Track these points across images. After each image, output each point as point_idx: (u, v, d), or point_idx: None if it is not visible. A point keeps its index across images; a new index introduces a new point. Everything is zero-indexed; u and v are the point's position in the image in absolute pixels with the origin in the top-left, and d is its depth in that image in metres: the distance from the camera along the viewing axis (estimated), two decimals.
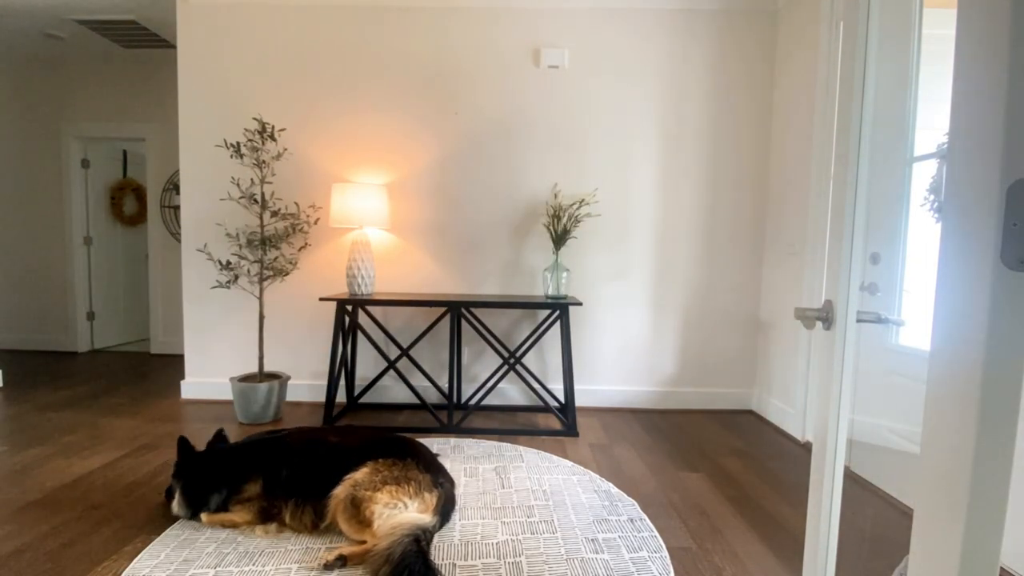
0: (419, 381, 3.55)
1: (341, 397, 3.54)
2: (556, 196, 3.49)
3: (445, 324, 3.53)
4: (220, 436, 2.13)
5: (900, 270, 2.33)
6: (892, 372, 2.34)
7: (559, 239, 3.22)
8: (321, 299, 3.07)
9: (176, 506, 1.95)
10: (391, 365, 3.12)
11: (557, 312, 3.23)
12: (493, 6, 3.43)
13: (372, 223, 3.21)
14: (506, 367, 3.17)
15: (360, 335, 3.51)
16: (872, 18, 1.06)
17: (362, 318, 3.56)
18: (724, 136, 3.50)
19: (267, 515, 1.93)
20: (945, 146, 2.08)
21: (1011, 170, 0.64)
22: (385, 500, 1.77)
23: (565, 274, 3.21)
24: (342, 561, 1.69)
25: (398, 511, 1.76)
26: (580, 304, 3.13)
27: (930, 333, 0.75)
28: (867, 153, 1.07)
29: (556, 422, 3.28)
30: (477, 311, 3.55)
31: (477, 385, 3.55)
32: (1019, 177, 0.63)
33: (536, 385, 3.47)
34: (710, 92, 3.48)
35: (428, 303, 3.05)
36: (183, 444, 2.02)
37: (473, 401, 3.28)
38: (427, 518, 1.79)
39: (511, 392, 3.59)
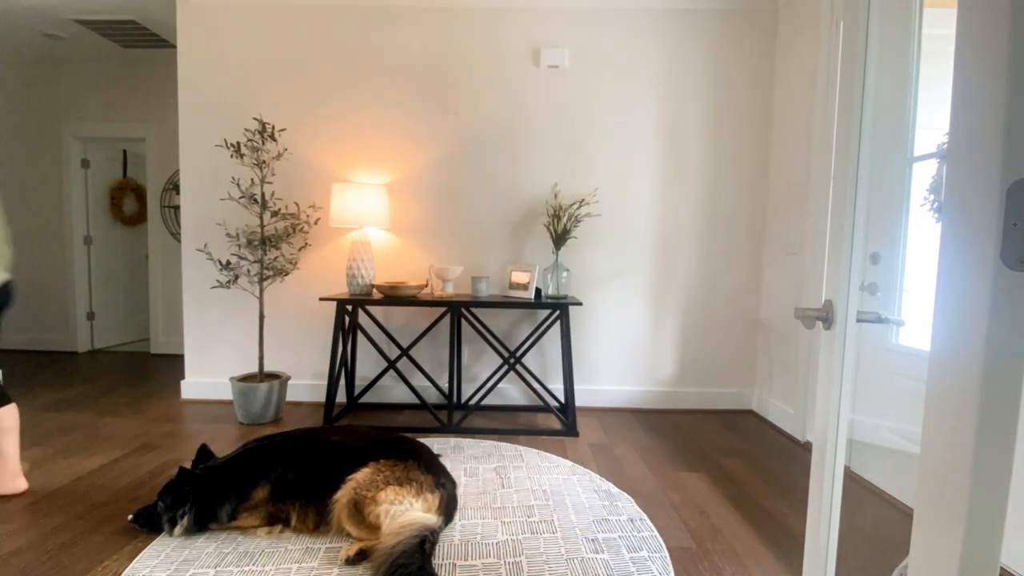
0: (419, 381, 3.55)
1: (341, 397, 3.54)
2: (556, 196, 3.49)
3: (445, 324, 3.53)
4: (204, 452, 2.03)
5: (900, 270, 2.33)
6: (892, 372, 2.34)
7: (559, 239, 3.22)
8: (321, 299, 3.07)
9: (180, 529, 1.86)
10: (391, 365, 3.12)
11: (557, 312, 3.23)
12: (493, 6, 3.43)
13: (372, 223, 3.21)
14: (506, 367, 3.17)
15: (360, 335, 3.51)
16: (872, 18, 1.06)
17: (362, 318, 3.56)
18: (724, 136, 3.50)
19: (275, 519, 1.92)
20: (945, 146, 2.08)
21: (1011, 170, 0.64)
22: (387, 501, 1.77)
23: (565, 274, 3.21)
24: (362, 555, 1.71)
25: (404, 507, 1.76)
26: (580, 304, 3.13)
27: (930, 333, 0.75)
28: (867, 153, 1.07)
29: (556, 422, 3.28)
30: (477, 311, 3.55)
31: (477, 385, 3.55)
32: (1019, 177, 0.63)
33: (536, 385, 3.47)
34: (710, 92, 3.48)
35: (428, 303, 3.05)
36: (183, 471, 1.91)
37: (473, 401, 3.28)
38: (433, 518, 1.79)
39: (511, 392, 3.59)
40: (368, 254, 3.21)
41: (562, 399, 3.51)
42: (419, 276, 3.56)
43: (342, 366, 3.29)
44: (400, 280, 3.55)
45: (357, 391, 3.53)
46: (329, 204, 3.45)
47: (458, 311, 3.16)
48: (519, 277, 3.24)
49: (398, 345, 3.21)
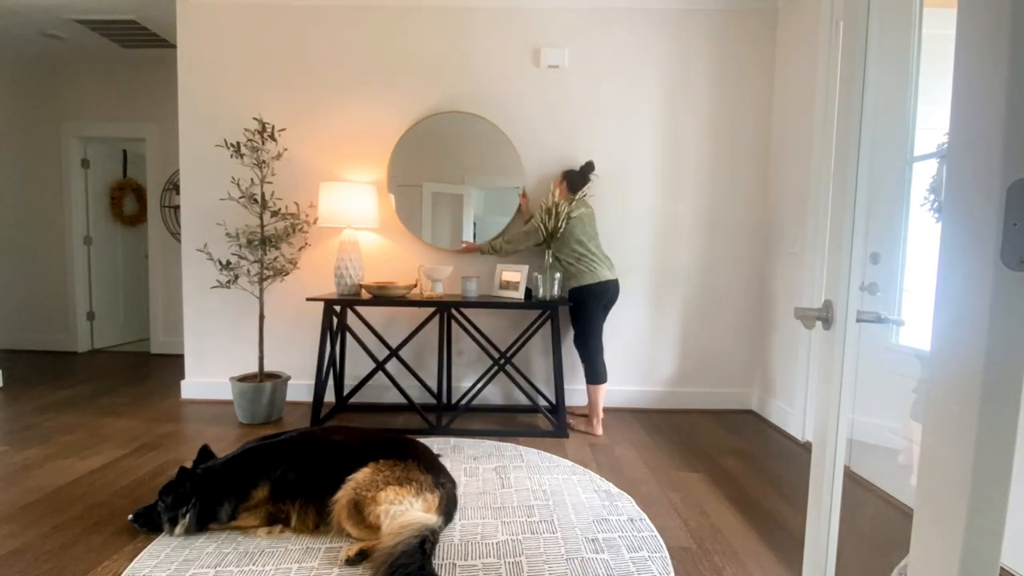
0: (410, 382, 3.54)
1: (331, 398, 3.51)
2: (556, 195, 3.48)
3: (436, 324, 3.51)
4: (206, 452, 2.02)
5: (900, 270, 2.33)
6: (892, 372, 2.34)
7: (550, 236, 3.19)
8: (308, 299, 3.04)
9: (181, 529, 1.86)
10: (379, 366, 3.08)
11: (548, 312, 3.21)
12: (493, 6, 3.43)
13: (361, 223, 3.17)
14: (496, 368, 3.15)
15: (350, 336, 3.49)
16: (872, 18, 1.06)
17: (352, 319, 3.55)
18: (724, 136, 3.50)
19: (275, 519, 1.92)
20: (945, 146, 2.08)
21: (1011, 170, 0.64)
22: (387, 501, 1.77)
23: (559, 274, 3.19)
24: (363, 555, 1.71)
25: (404, 507, 1.76)
26: (570, 304, 3.11)
27: (930, 333, 0.75)
28: (867, 153, 1.07)
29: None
30: (468, 311, 3.54)
31: (467, 386, 3.54)
32: (1019, 177, 0.63)
33: (525, 385, 3.45)
34: (710, 92, 3.48)
35: (416, 303, 3.01)
36: (184, 471, 1.91)
37: (463, 403, 3.26)
38: (433, 518, 1.79)
39: (503, 393, 3.58)
40: (356, 254, 3.18)
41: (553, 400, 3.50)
42: (410, 276, 3.55)
43: (330, 367, 3.26)
44: (389, 280, 3.54)
45: (347, 392, 3.51)
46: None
47: (447, 311, 3.12)
48: (510, 275, 3.21)
49: (387, 346, 3.19)
